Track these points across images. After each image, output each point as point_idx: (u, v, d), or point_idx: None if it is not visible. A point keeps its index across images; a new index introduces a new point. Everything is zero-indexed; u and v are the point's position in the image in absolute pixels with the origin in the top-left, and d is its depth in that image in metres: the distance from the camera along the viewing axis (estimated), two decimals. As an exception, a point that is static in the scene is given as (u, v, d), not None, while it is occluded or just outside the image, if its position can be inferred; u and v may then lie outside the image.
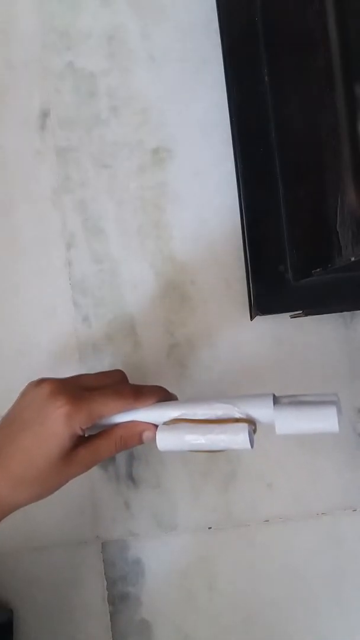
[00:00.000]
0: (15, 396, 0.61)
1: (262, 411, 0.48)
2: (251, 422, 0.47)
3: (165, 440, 0.47)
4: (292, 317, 0.79)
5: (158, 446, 0.48)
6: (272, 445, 0.81)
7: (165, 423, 0.49)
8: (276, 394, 0.52)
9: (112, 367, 0.80)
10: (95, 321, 0.81)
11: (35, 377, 0.61)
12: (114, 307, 0.82)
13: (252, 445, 0.46)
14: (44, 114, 0.84)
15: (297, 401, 0.50)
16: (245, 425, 0.47)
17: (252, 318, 0.77)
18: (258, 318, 0.78)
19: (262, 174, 0.75)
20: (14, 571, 0.82)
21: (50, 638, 0.81)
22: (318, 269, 0.69)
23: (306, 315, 0.77)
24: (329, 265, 0.66)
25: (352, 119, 0.58)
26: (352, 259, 0.60)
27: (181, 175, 0.82)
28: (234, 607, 0.80)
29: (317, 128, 0.67)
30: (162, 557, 0.81)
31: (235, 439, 0.47)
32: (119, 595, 0.81)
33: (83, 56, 0.83)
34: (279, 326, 0.81)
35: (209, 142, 0.82)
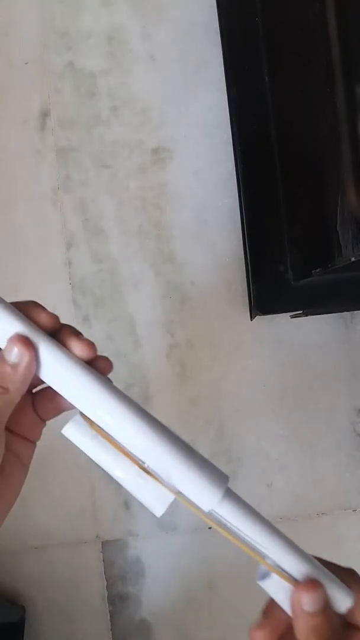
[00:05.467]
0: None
1: (201, 499, 0.36)
2: (179, 495, 0.35)
3: (76, 438, 0.35)
4: (292, 317, 0.79)
5: (64, 432, 0.36)
6: (272, 445, 0.81)
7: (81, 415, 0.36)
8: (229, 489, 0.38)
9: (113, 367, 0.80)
10: (95, 321, 0.81)
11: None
12: (114, 307, 0.82)
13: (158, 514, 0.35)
14: (44, 114, 0.84)
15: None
16: (171, 498, 0.35)
17: (252, 318, 0.77)
18: (258, 318, 0.78)
19: (262, 174, 0.75)
20: (14, 571, 0.82)
21: (51, 637, 0.81)
22: (318, 269, 0.69)
23: (306, 315, 0.77)
24: (329, 265, 0.66)
25: (352, 119, 0.58)
26: (352, 259, 0.60)
27: (181, 175, 0.82)
28: (234, 607, 0.80)
29: (317, 128, 0.67)
30: (162, 557, 0.81)
31: (153, 504, 0.36)
32: (119, 595, 0.81)
33: (83, 56, 0.83)
34: (279, 326, 0.81)
35: (209, 142, 0.82)
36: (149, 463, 0.34)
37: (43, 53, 0.84)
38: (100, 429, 0.35)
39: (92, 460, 0.35)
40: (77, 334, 0.37)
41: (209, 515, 0.36)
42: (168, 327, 0.81)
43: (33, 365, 0.34)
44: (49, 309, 0.77)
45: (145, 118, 0.83)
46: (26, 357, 0.33)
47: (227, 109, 0.77)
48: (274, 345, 0.81)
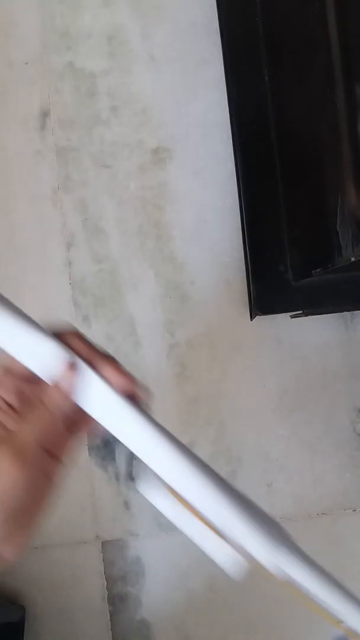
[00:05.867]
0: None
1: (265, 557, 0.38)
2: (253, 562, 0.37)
3: (158, 501, 0.38)
4: (292, 317, 0.79)
5: (140, 489, 0.38)
6: (272, 445, 0.81)
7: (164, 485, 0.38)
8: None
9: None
10: (95, 321, 0.81)
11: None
12: (114, 307, 0.82)
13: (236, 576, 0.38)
14: (44, 114, 0.84)
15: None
16: (243, 563, 0.38)
17: (252, 318, 0.77)
18: (258, 318, 0.78)
19: (262, 174, 0.75)
20: (14, 571, 0.82)
21: (51, 637, 0.81)
22: (318, 269, 0.69)
23: (306, 315, 0.77)
24: (329, 265, 0.66)
25: (352, 119, 0.58)
26: (352, 259, 0.60)
27: (181, 175, 0.82)
28: (234, 607, 0.80)
29: (317, 128, 0.67)
30: (162, 557, 0.81)
31: (225, 565, 0.38)
32: (119, 595, 0.81)
33: (83, 56, 0.83)
34: (279, 326, 0.81)
35: (209, 142, 0.82)
36: (220, 526, 0.37)
37: (43, 53, 0.84)
38: (174, 491, 0.37)
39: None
40: (118, 368, 0.37)
41: (283, 577, 0.38)
42: (168, 327, 0.81)
43: (76, 388, 0.35)
44: (49, 309, 0.78)
45: (145, 118, 0.83)
46: (71, 381, 0.35)
47: (227, 109, 0.77)
48: (274, 345, 0.81)
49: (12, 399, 0.36)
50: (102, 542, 0.81)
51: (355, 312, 0.80)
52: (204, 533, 0.37)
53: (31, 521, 0.38)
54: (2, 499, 0.34)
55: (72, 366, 0.35)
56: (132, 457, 0.81)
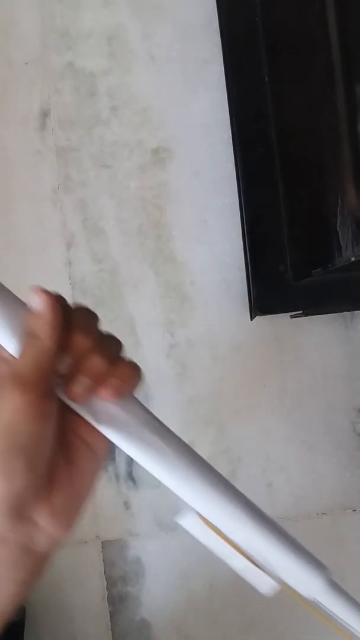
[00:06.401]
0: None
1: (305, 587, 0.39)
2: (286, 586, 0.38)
3: (189, 527, 0.38)
4: (292, 317, 0.79)
5: (178, 520, 0.38)
6: (272, 445, 0.81)
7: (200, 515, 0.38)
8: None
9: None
10: (95, 321, 0.81)
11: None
12: (114, 307, 0.82)
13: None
14: (44, 114, 0.84)
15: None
16: (276, 587, 0.38)
17: (252, 318, 0.77)
18: (258, 318, 0.78)
19: (262, 174, 0.75)
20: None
21: (51, 637, 0.81)
22: (318, 269, 0.69)
23: (306, 315, 0.77)
24: (329, 265, 0.66)
25: (352, 119, 0.58)
26: (352, 259, 0.60)
27: (181, 175, 0.82)
28: (234, 607, 0.80)
29: (317, 128, 0.67)
30: (162, 557, 0.81)
31: (262, 587, 0.39)
32: (119, 595, 0.81)
33: (83, 56, 0.83)
34: (279, 326, 0.81)
35: (209, 142, 0.82)
36: (256, 556, 0.38)
37: (43, 53, 0.84)
38: (209, 523, 0.38)
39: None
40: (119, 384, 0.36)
41: (313, 604, 0.39)
42: (168, 327, 0.81)
43: (58, 310, 0.34)
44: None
45: (145, 118, 0.83)
46: (49, 303, 0.34)
47: (227, 109, 0.77)
48: (274, 345, 0.81)
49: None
50: (102, 542, 0.81)
51: (355, 312, 0.80)
52: (240, 562, 0.38)
53: (73, 489, 0.36)
54: (11, 431, 0.32)
55: (44, 290, 0.35)
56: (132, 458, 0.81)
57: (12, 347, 0.35)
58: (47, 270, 0.83)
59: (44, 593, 0.81)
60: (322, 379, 0.81)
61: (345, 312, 0.80)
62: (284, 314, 0.78)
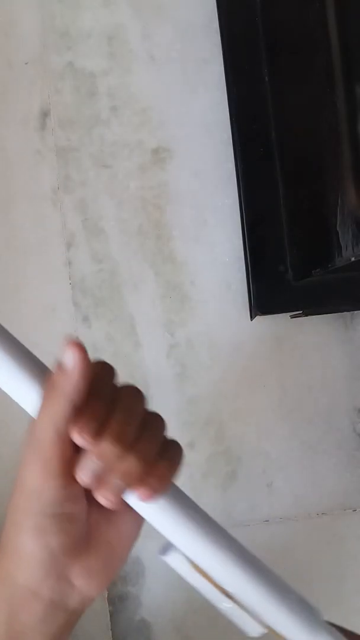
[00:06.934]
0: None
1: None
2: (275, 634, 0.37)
3: (175, 566, 0.38)
4: (292, 317, 0.79)
5: (164, 558, 0.37)
6: (272, 445, 0.81)
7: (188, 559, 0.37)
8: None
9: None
10: (95, 321, 0.81)
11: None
12: (114, 307, 0.82)
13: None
14: (44, 114, 0.84)
15: None
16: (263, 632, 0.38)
17: (252, 318, 0.77)
18: (258, 318, 0.78)
19: (262, 174, 0.75)
20: None
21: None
22: (318, 269, 0.69)
23: (306, 315, 0.77)
24: (329, 265, 0.66)
25: (352, 119, 0.58)
26: (352, 259, 0.60)
27: (181, 175, 0.82)
28: (234, 607, 0.80)
29: (317, 128, 0.67)
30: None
31: (249, 630, 0.39)
32: (119, 595, 0.81)
33: (83, 56, 0.83)
34: (279, 326, 0.81)
35: (209, 142, 0.82)
36: (244, 602, 0.37)
37: (43, 53, 0.84)
38: (198, 567, 0.37)
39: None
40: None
41: None
42: (168, 327, 0.81)
43: (86, 370, 0.32)
44: (49, 309, 0.78)
45: (145, 118, 0.83)
46: (79, 362, 0.31)
47: (227, 109, 0.77)
48: (274, 345, 0.81)
49: None
50: (102, 542, 0.81)
51: (355, 312, 0.80)
52: (227, 604, 0.39)
53: (112, 552, 0.34)
54: (39, 497, 0.31)
55: (79, 345, 0.32)
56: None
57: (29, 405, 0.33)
58: (47, 270, 0.83)
59: (44, 593, 0.81)
60: (322, 379, 0.81)
61: (345, 312, 0.80)
62: (284, 314, 0.78)
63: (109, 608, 0.81)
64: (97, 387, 0.33)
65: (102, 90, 0.83)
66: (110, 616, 0.81)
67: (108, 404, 0.33)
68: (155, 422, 0.35)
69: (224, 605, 0.38)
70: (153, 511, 0.35)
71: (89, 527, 0.34)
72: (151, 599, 0.80)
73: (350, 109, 0.58)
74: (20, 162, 0.84)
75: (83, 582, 0.34)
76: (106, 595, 0.81)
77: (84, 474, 0.32)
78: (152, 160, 0.82)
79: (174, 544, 0.36)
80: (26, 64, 0.84)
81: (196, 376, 0.80)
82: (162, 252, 0.82)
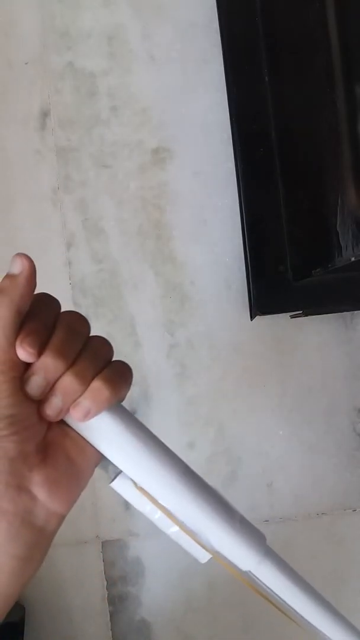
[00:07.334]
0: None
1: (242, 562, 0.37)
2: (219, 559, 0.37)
3: (123, 493, 0.37)
4: (292, 317, 0.79)
5: (113, 486, 0.37)
6: (272, 445, 0.81)
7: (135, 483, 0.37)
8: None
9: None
10: (95, 321, 0.81)
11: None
12: (114, 307, 0.82)
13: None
14: (44, 114, 0.84)
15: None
16: (209, 556, 0.37)
17: (252, 318, 0.77)
18: (258, 318, 0.78)
19: (262, 174, 0.75)
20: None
21: (51, 637, 0.81)
22: (318, 269, 0.69)
23: (306, 315, 0.77)
24: (329, 265, 0.66)
25: (352, 119, 0.58)
26: (352, 259, 0.60)
27: (181, 175, 0.82)
28: (233, 606, 0.80)
29: (317, 128, 0.67)
30: (162, 557, 0.81)
31: (196, 555, 0.38)
32: (119, 595, 0.81)
33: (83, 56, 0.83)
34: (279, 326, 0.81)
35: (209, 142, 0.82)
36: (189, 525, 0.36)
37: (43, 53, 0.84)
38: (144, 491, 0.36)
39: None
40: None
41: (246, 575, 0.38)
42: (168, 327, 0.81)
43: (31, 276, 0.33)
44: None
45: (145, 118, 0.83)
46: (26, 269, 0.33)
47: (227, 109, 0.77)
48: (274, 345, 0.81)
49: None
50: (102, 542, 0.81)
51: (355, 312, 0.80)
52: (173, 529, 0.37)
53: (61, 489, 0.34)
54: None
55: (26, 256, 0.34)
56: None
57: None
58: (47, 270, 0.83)
59: (44, 593, 0.81)
60: (322, 379, 0.81)
61: (345, 312, 0.80)
62: (284, 314, 0.78)
63: (109, 608, 0.81)
64: (40, 307, 0.35)
65: (102, 90, 0.83)
66: (110, 616, 0.81)
67: (51, 321, 0.34)
68: (98, 343, 0.37)
69: (171, 530, 0.37)
70: (93, 430, 0.35)
71: (48, 440, 0.35)
72: (151, 599, 0.80)
73: (350, 109, 0.58)
74: (20, 162, 0.84)
75: (45, 495, 0.34)
76: (106, 595, 0.81)
77: (28, 387, 0.33)
78: (152, 160, 0.82)
79: (117, 467, 0.36)
80: (26, 64, 0.84)
81: (196, 376, 0.80)
82: (162, 252, 0.82)
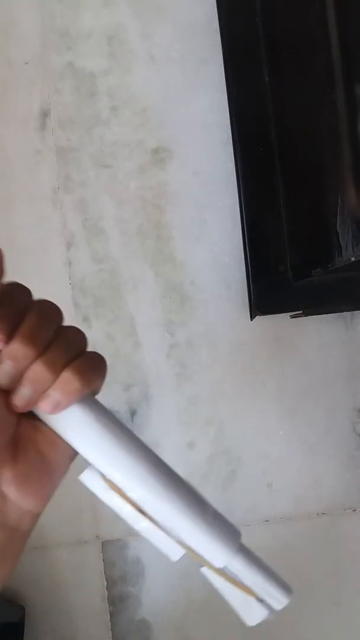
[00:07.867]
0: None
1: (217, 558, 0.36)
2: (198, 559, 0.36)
3: (92, 487, 0.35)
4: (292, 317, 0.79)
5: (81, 479, 0.35)
6: (272, 445, 0.81)
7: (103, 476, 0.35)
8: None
9: (113, 367, 0.80)
10: (95, 321, 0.81)
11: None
12: (114, 307, 0.82)
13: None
14: (44, 114, 0.84)
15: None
16: (182, 552, 0.36)
17: (252, 318, 0.77)
18: (258, 318, 0.78)
19: (262, 174, 0.75)
20: (14, 571, 0.82)
21: (51, 637, 0.81)
22: (318, 269, 0.69)
23: (306, 315, 0.77)
24: (329, 265, 0.66)
25: (352, 119, 0.58)
26: (352, 259, 0.60)
27: (181, 175, 0.82)
28: (234, 607, 0.80)
29: (318, 128, 0.67)
30: (162, 557, 0.80)
31: (168, 552, 0.37)
32: (119, 595, 0.81)
33: (83, 56, 0.83)
34: (279, 326, 0.81)
35: (209, 142, 0.82)
36: (160, 521, 0.35)
37: (43, 53, 0.84)
38: (113, 484, 0.34)
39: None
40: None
41: (222, 570, 0.36)
42: (168, 327, 0.81)
43: (1, 263, 0.32)
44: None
45: (145, 118, 0.83)
46: None
47: (227, 109, 0.77)
48: (274, 345, 0.81)
49: None
50: (102, 542, 0.81)
51: (355, 312, 0.80)
52: (144, 525, 0.35)
53: (30, 446, 0.33)
54: None
55: None
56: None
57: None
58: (47, 270, 0.83)
59: (44, 593, 0.81)
60: (322, 379, 0.81)
61: (345, 312, 0.80)
62: (284, 314, 0.78)
63: (109, 608, 0.81)
64: (11, 294, 0.34)
65: (102, 90, 0.83)
66: (110, 616, 0.81)
67: (22, 309, 0.33)
68: (71, 333, 0.34)
69: (141, 525, 0.35)
70: (63, 423, 0.34)
71: (17, 434, 0.33)
72: (151, 599, 0.80)
73: (350, 109, 0.58)
74: (20, 162, 0.84)
75: (16, 493, 0.32)
76: (106, 595, 0.81)
77: None
78: (152, 160, 0.82)
79: (86, 459, 0.35)
80: (26, 64, 0.84)
81: (196, 376, 0.80)
82: (162, 252, 0.82)
